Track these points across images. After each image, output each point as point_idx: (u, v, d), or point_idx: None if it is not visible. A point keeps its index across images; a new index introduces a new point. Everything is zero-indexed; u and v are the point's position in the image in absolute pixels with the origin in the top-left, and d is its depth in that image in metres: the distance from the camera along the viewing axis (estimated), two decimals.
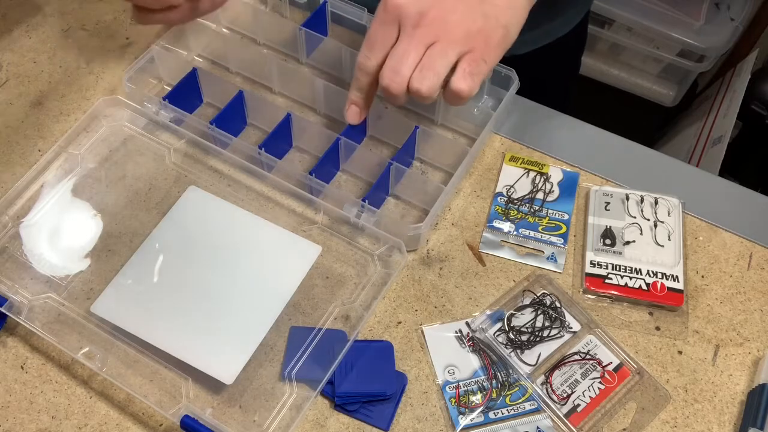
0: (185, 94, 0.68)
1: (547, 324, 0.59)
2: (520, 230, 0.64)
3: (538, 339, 0.58)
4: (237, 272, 0.60)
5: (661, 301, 0.60)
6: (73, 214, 0.63)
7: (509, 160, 0.68)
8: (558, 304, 0.60)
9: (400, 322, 0.59)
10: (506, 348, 0.58)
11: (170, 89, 0.67)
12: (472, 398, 0.56)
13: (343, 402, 0.55)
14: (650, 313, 0.60)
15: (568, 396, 0.56)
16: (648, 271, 0.61)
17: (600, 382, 0.57)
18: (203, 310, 0.58)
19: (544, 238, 0.64)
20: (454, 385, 0.56)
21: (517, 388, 0.56)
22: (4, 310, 0.56)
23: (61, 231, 0.62)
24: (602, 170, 0.68)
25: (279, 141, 0.66)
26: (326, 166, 0.64)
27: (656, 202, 0.65)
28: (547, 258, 0.63)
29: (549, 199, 0.66)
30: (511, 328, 0.59)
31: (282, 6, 0.76)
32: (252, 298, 0.59)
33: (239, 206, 0.63)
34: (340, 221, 0.63)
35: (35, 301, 0.58)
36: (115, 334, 0.56)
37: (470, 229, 0.64)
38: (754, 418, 0.54)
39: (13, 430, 0.54)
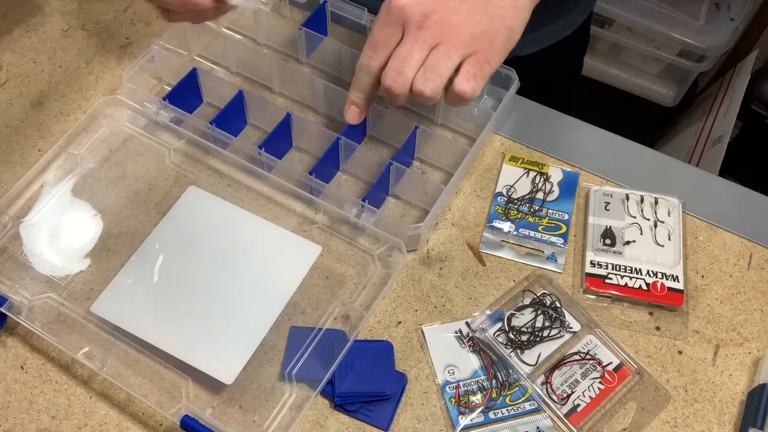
0: (185, 94, 0.68)
1: (547, 324, 0.59)
2: (520, 230, 0.64)
3: (538, 339, 0.58)
4: (237, 272, 0.60)
5: (661, 301, 0.60)
6: (73, 214, 0.63)
7: (509, 160, 0.68)
8: (558, 304, 0.60)
9: (400, 322, 0.59)
10: (506, 348, 0.58)
11: (170, 89, 0.67)
12: (472, 398, 0.56)
13: (343, 402, 0.55)
14: (650, 313, 0.60)
15: (568, 396, 0.56)
16: (648, 271, 0.61)
17: (600, 382, 0.57)
18: (203, 310, 0.58)
19: (544, 238, 0.64)
20: (454, 385, 0.56)
21: (517, 388, 0.56)
22: (4, 310, 0.56)
23: (61, 231, 0.62)
24: (602, 170, 0.68)
25: (279, 141, 0.66)
26: (326, 166, 0.64)
27: (656, 202, 0.65)
28: (547, 258, 0.63)
29: (549, 199, 0.66)
30: (511, 328, 0.59)
31: (282, 6, 0.76)
32: (252, 298, 0.59)
33: (239, 206, 0.63)
34: (340, 221, 0.63)
35: (35, 301, 0.58)
36: (115, 334, 0.56)
37: (470, 229, 0.64)
38: (754, 418, 0.54)
39: (13, 430, 0.54)
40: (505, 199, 0.66)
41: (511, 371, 0.57)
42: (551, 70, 0.87)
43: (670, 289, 0.60)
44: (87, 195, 0.64)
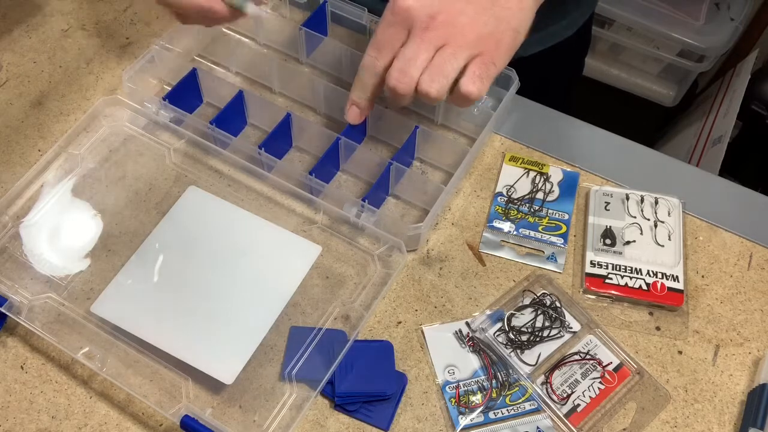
0: (185, 94, 0.68)
1: (547, 324, 0.59)
2: (520, 230, 0.64)
3: (538, 339, 0.58)
4: (237, 272, 0.60)
5: (661, 301, 0.60)
6: (73, 214, 0.63)
7: (509, 160, 0.68)
8: (558, 304, 0.60)
9: (400, 322, 0.59)
10: (506, 348, 0.58)
11: (170, 89, 0.67)
12: (472, 398, 0.56)
13: (343, 402, 0.55)
14: (650, 313, 0.60)
15: (568, 396, 0.56)
16: (648, 271, 0.61)
17: (600, 382, 0.56)
18: (203, 310, 0.58)
19: (544, 238, 0.64)
20: (454, 385, 0.56)
21: (517, 388, 0.56)
22: (4, 310, 0.56)
23: (61, 231, 0.62)
24: (602, 170, 0.68)
25: (279, 141, 0.66)
26: (326, 166, 0.64)
27: (656, 202, 0.65)
28: (547, 258, 0.63)
29: (549, 199, 0.66)
30: (511, 328, 0.59)
31: (282, 6, 0.76)
32: (252, 298, 0.59)
33: (239, 206, 0.63)
34: (340, 221, 0.63)
35: (35, 301, 0.58)
36: (115, 334, 0.56)
37: (470, 229, 0.64)
38: (754, 418, 0.54)
39: (13, 430, 0.54)
40: (505, 199, 0.66)
41: (511, 371, 0.57)
42: (552, 71, 0.87)
43: (670, 289, 0.60)
44: (87, 195, 0.64)
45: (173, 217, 0.62)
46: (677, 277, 0.60)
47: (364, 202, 0.61)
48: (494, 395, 0.56)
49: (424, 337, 0.58)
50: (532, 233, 0.64)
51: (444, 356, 0.58)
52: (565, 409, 0.55)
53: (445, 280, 0.61)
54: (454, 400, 0.56)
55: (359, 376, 0.56)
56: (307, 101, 0.71)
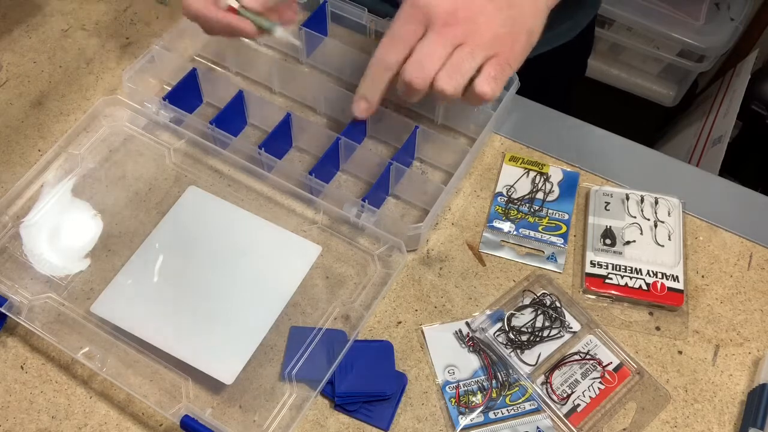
0: (185, 94, 0.68)
1: (547, 324, 0.59)
2: (520, 230, 0.64)
3: (538, 339, 0.58)
4: (237, 272, 0.60)
5: (661, 301, 0.59)
6: (73, 214, 0.63)
7: (509, 160, 0.68)
8: (558, 304, 0.60)
9: (400, 322, 0.59)
10: (506, 348, 0.58)
11: (170, 89, 0.67)
12: (472, 398, 0.56)
13: (343, 402, 0.55)
14: (650, 313, 0.60)
15: (568, 396, 0.56)
16: (648, 271, 0.61)
17: (600, 382, 0.57)
18: (203, 310, 0.58)
19: (544, 238, 0.64)
20: (454, 385, 0.56)
21: (517, 388, 0.56)
22: (4, 310, 0.56)
23: (61, 231, 0.62)
24: (602, 170, 0.68)
25: (279, 141, 0.66)
26: (326, 166, 0.64)
27: (656, 202, 0.65)
28: (547, 258, 0.63)
29: (549, 199, 0.66)
30: (511, 328, 0.59)
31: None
32: (252, 298, 0.59)
33: (239, 206, 0.63)
34: (340, 221, 0.63)
35: (35, 301, 0.58)
36: (115, 334, 0.56)
37: (470, 229, 0.64)
38: (754, 418, 0.54)
39: (13, 430, 0.54)
40: (505, 199, 0.66)
41: (511, 371, 0.57)
42: (554, 72, 0.87)
43: (670, 289, 0.60)
44: (87, 195, 0.64)
45: (173, 217, 0.62)
46: (677, 277, 0.60)
47: (364, 202, 0.61)
48: (494, 395, 0.56)
49: (424, 337, 0.58)
50: (532, 233, 0.64)
51: (444, 356, 0.58)
52: (565, 409, 0.55)
53: (445, 280, 0.61)
54: (454, 400, 0.56)
55: (359, 376, 0.56)
56: (307, 101, 0.71)
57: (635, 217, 0.64)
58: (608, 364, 0.57)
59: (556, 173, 0.67)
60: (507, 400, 0.56)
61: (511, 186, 0.66)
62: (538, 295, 0.60)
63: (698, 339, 0.59)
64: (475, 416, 0.55)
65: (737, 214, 0.66)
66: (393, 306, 0.60)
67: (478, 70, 0.55)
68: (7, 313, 0.56)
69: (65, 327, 0.57)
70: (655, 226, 0.63)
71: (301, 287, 0.59)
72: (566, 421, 0.55)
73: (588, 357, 0.58)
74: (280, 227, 0.62)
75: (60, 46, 0.75)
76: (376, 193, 0.63)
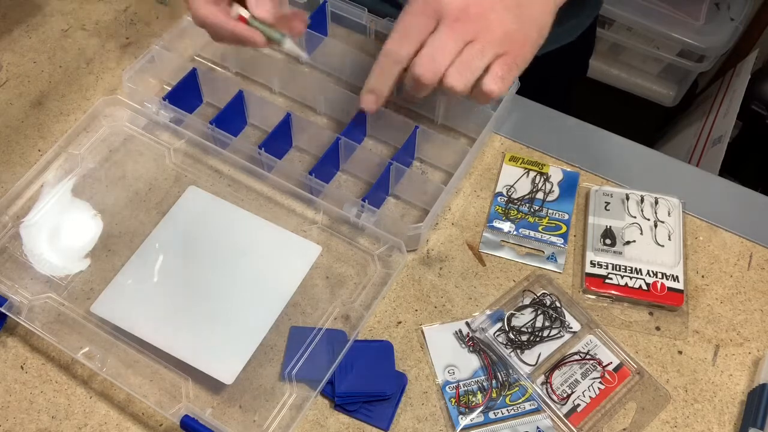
0: (185, 94, 0.68)
1: (547, 324, 0.59)
2: (520, 230, 0.64)
3: (538, 339, 0.58)
4: (237, 272, 0.60)
5: (661, 301, 0.59)
6: (73, 214, 0.63)
7: (509, 160, 0.68)
8: (558, 304, 0.60)
9: (400, 322, 0.59)
10: (506, 348, 0.58)
11: (170, 89, 0.67)
12: (472, 398, 0.56)
13: (343, 402, 0.55)
14: (650, 313, 0.60)
15: (568, 396, 0.56)
16: (648, 271, 0.61)
17: (600, 382, 0.56)
18: (203, 310, 0.58)
19: (544, 238, 0.64)
20: (454, 385, 0.56)
21: (517, 388, 0.56)
22: (4, 310, 0.56)
23: (61, 231, 0.62)
24: (602, 170, 0.68)
25: (279, 141, 0.66)
26: (326, 166, 0.64)
27: (656, 202, 0.65)
28: (547, 258, 0.63)
29: (549, 199, 0.66)
30: (511, 328, 0.59)
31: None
32: (252, 298, 0.59)
33: (239, 206, 0.63)
34: (340, 221, 0.63)
35: (35, 301, 0.58)
36: (115, 334, 0.56)
37: (470, 229, 0.64)
38: (754, 418, 0.54)
39: (13, 430, 0.54)
40: (505, 199, 0.66)
41: (511, 371, 0.57)
42: (556, 72, 0.87)
43: (670, 289, 0.60)
44: (87, 195, 0.64)
45: (173, 217, 0.62)
46: (677, 277, 0.60)
47: (364, 202, 0.61)
48: (494, 395, 0.56)
49: (424, 337, 0.58)
50: (532, 233, 0.64)
51: (444, 356, 0.58)
52: (565, 409, 0.55)
53: (445, 280, 0.61)
54: (454, 400, 0.56)
55: (359, 376, 0.56)
56: (307, 101, 0.71)
57: (635, 217, 0.64)
58: (608, 364, 0.57)
59: (556, 173, 0.67)
60: (507, 400, 0.56)
61: (511, 186, 0.66)
62: (538, 295, 0.60)
63: (698, 339, 0.59)
64: (475, 416, 0.55)
65: (737, 214, 0.66)
66: (393, 306, 0.60)
67: (486, 68, 0.55)
68: (7, 313, 0.56)
69: (65, 327, 0.57)
70: (655, 226, 0.63)
71: (301, 287, 0.59)
72: (566, 421, 0.55)
73: (588, 357, 0.58)
74: (280, 227, 0.62)
75: (60, 46, 0.75)
76: (376, 193, 0.63)
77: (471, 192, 0.66)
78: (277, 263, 0.61)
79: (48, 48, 0.74)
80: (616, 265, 0.61)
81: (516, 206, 0.65)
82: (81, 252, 0.61)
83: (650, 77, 1.62)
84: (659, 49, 1.52)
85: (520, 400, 0.56)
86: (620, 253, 0.62)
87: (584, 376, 0.57)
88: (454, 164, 0.66)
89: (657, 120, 1.68)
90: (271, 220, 0.63)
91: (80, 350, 0.55)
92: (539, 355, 0.58)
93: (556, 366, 0.57)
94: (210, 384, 0.55)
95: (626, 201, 0.65)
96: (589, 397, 0.56)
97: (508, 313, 0.59)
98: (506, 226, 0.64)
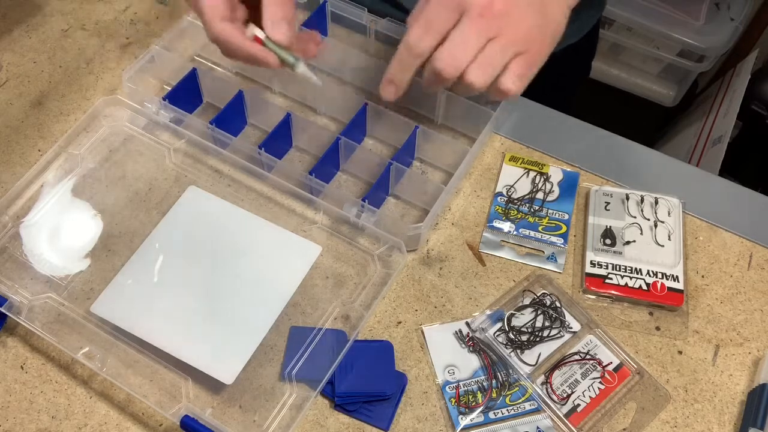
0: (185, 94, 0.68)
1: (547, 324, 0.59)
2: (520, 230, 0.64)
3: (538, 339, 0.58)
4: (237, 272, 0.60)
5: (661, 301, 0.59)
6: (73, 214, 0.63)
7: (509, 160, 0.68)
8: (558, 304, 0.60)
9: (400, 322, 0.59)
10: (506, 348, 0.58)
11: (170, 89, 0.67)
12: (472, 398, 0.56)
13: (343, 402, 0.55)
14: (650, 313, 0.60)
15: (568, 396, 0.56)
16: (648, 271, 0.61)
17: (600, 382, 0.56)
18: (203, 310, 0.58)
19: (544, 238, 0.64)
20: (454, 385, 0.56)
21: (517, 388, 0.56)
22: (4, 310, 0.56)
23: (61, 231, 0.62)
24: (602, 170, 0.68)
25: (279, 141, 0.66)
26: (326, 166, 0.64)
27: (656, 202, 0.65)
28: (547, 258, 0.63)
29: (549, 199, 0.66)
30: (511, 328, 0.59)
31: None
32: (252, 298, 0.59)
33: (239, 206, 0.63)
34: (340, 221, 0.63)
35: (35, 301, 0.58)
36: (115, 334, 0.56)
37: (470, 229, 0.64)
38: (754, 418, 0.54)
39: (13, 430, 0.54)
40: (505, 199, 0.66)
41: (511, 371, 0.57)
42: (560, 73, 0.87)
43: (670, 289, 0.60)
44: (87, 195, 0.64)
45: (173, 217, 0.62)
46: (677, 277, 0.60)
47: (364, 202, 0.61)
48: (494, 395, 0.56)
49: (424, 337, 0.58)
50: (532, 233, 0.64)
51: (444, 356, 0.58)
52: (565, 409, 0.55)
53: (445, 280, 0.61)
54: (454, 400, 0.56)
55: (359, 376, 0.56)
56: (307, 101, 0.71)
57: (635, 217, 0.64)
58: (608, 364, 0.57)
59: (556, 173, 0.67)
60: (507, 400, 0.56)
61: (511, 186, 0.66)
62: (538, 295, 0.60)
63: (698, 339, 0.59)
64: (475, 416, 0.55)
65: (737, 214, 0.66)
66: (393, 306, 0.60)
67: (504, 65, 0.55)
68: (7, 313, 0.56)
69: (65, 327, 0.57)
70: (655, 226, 0.63)
71: (301, 287, 0.59)
72: (566, 421, 0.55)
73: (588, 357, 0.58)
74: (280, 227, 0.62)
75: (60, 46, 0.75)
76: (376, 193, 0.63)
77: (471, 192, 0.66)
78: (277, 263, 0.61)
79: (48, 48, 0.74)
80: (616, 265, 0.61)
81: (516, 206, 0.65)
82: (81, 252, 0.61)
83: (650, 77, 1.62)
84: (659, 49, 1.52)
85: (520, 400, 0.56)
86: (620, 253, 0.62)
87: (584, 376, 0.57)
88: (454, 164, 0.66)
89: (657, 120, 1.68)
90: (271, 220, 0.63)
91: (80, 350, 0.55)
92: (539, 355, 0.58)
93: (556, 366, 0.57)
94: (210, 384, 0.55)
95: (626, 201, 0.65)
96: (589, 397, 0.56)
97: (508, 313, 0.59)
98: (506, 226, 0.64)
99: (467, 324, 0.59)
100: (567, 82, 0.96)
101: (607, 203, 0.65)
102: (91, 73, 0.73)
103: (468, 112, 0.68)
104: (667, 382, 0.57)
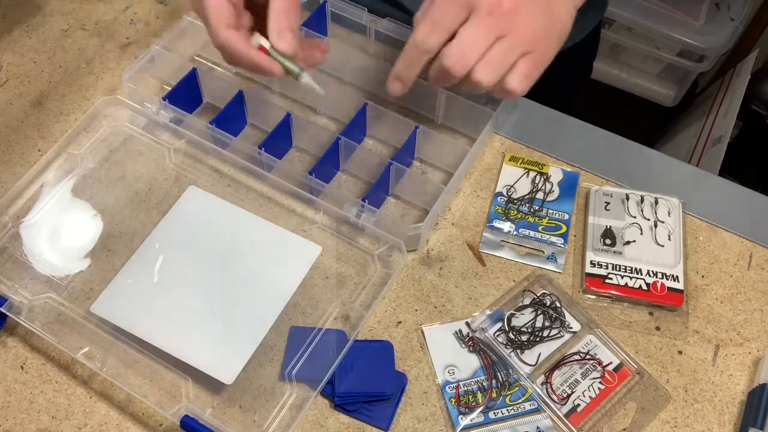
0: (185, 94, 0.68)
1: (547, 324, 0.59)
2: (520, 230, 0.64)
3: (538, 339, 0.58)
4: (237, 272, 0.60)
5: (661, 301, 0.59)
6: (73, 214, 0.63)
7: (509, 160, 0.68)
8: (558, 304, 0.60)
9: (400, 322, 0.59)
10: (506, 348, 0.58)
11: (170, 89, 0.67)
12: (472, 398, 0.56)
13: (343, 402, 0.55)
14: (650, 313, 0.60)
15: (568, 396, 0.56)
16: (648, 271, 0.61)
17: (600, 382, 0.56)
18: (203, 310, 0.58)
19: (544, 238, 0.64)
20: (454, 385, 0.56)
21: (517, 388, 0.56)
22: (4, 310, 0.56)
23: (61, 231, 0.62)
24: (602, 170, 0.68)
25: (279, 141, 0.66)
26: (326, 166, 0.64)
27: (656, 202, 0.65)
28: (547, 258, 0.63)
29: (549, 199, 0.66)
30: (511, 328, 0.59)
31: None
32: (252, 298, 0.59)
33: (239, 206, 0.63)
34: (340, 221, 0.63)
35: (35, 301, 0.58)
36: (115, 334, 0.56)
37: (470, 229, 0.64)
38: (754, 418, 0.54)
39: (13, 430, 0.54)
40: (505, 199, 0.66)
41: (511, 371, 0.57)
42: (562, 74, 0.87)
43: (670, 289, 0.60)
44: (87, 195, 0.64)
45: (173, 217, 0.62)
46: (677, 277, 0.60)
47: (364, 202, 0.61)
48: (494, 395, 0.56)
49: (424, 337, 0.58)
50: (532, 233, 0.64)
51: (444, 356, 0.58)
52: (565, 409, 0.55)
53: (445, 280, 0.61)
54: (454, 400, 0.56)
55: (359, 376, 0.56)
56: (307, 101, 0.71)
57: (635, 217, 0.64)
58: (608, 364, 0.57)
59: (556, 173, 0.67)
60: (507, 400, 0.56)
61: (511, 186, 0.66)
62: (538, 295, 0.60)
63: (698, 339, 0.59)
64: (475, 416, 0.55)
65: (737, 214, 0.66)
66: (393, 306, 0.60)
67: (511, 66, 0.56)
68: (7, 313, 0.56)
69: (65, 327, 0.57)
70: (655, 226, 0.63)
71: (301, 287, 0.59)
72: (566, 421, 0.55)
73: (588, 357, 0.58)
74: (280, 227, 0.62)
75: (60, 46, 0.75)
76: (376, 193, 0.63)
77: (471, 192, 0.66)
78: (277, 263, 0.61)
79: (48, 48, 0.74)
80: (616, 265, 0.61)
81: (516, 206, 0.65)
82: (81, 252, 0.61)
83: (650, 77, 1.62)
84: (659, 49, 1.52)
85: (520, 400, 0.56)
86: (620, 253, 0.62)
87: (584, 376, 0.57)
88: (454, 164, 0.66)
89: (657, 120, 1.68)
90: (271, 220, 0.63)
91: (80, 350, 0.55)
92: (539, 355, 0.58)
93: (556, 366, 0.57)
94: (210, 384, 0.55)
95: (626, 201, 0.65)
96: (589, 397, 0.56)
97: (508, 313, 0.59)
98: (506, 226, 0.64)
99: (467, 324, 0.59)
100: (569, 82, 0.96)
101: (607, 203, 0.65)
102: (91, 73, 0.73)
103: (468, 112, 0.68)
104: (667, 382, 0.57)
